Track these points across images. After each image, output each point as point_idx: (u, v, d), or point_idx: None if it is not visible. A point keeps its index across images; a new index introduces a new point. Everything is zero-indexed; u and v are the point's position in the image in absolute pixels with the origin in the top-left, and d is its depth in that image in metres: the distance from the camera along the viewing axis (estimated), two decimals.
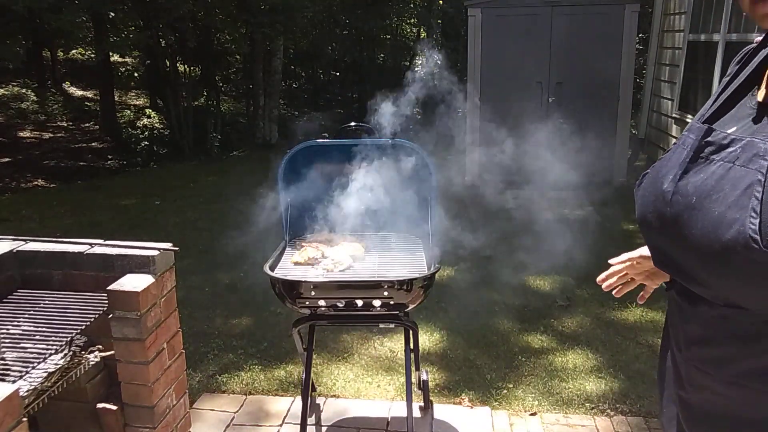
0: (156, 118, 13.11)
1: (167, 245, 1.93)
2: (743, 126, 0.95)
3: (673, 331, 1.10)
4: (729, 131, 0.95)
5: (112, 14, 9.56)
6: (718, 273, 0.91)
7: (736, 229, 0.84)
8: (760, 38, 1.03)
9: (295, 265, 2.25)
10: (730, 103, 1.01)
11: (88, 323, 1.73)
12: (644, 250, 1.30)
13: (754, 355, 0.93)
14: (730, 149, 0.91)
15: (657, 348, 3.37)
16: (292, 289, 2.06)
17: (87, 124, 12.96)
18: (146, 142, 11.61)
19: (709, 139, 0.95)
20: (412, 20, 16.07)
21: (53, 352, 1.60)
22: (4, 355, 1.56)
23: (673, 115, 7.07)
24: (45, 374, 1.54)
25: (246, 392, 2.99)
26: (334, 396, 2.95)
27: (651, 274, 1.35)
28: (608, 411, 2.81)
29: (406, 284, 2.04)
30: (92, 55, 13.67)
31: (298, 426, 2.34)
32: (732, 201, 0.86)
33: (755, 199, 0.84)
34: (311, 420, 2.69)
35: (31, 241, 2.02)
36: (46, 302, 1.85)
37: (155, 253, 1.87)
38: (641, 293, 1.41)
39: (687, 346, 1.05)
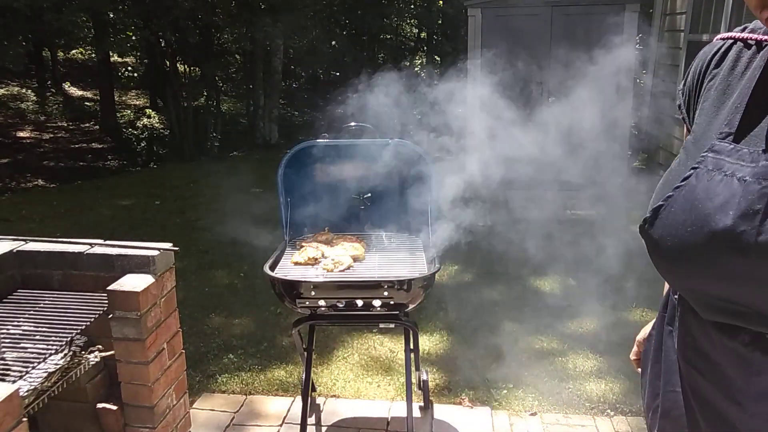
0: (156, 118, 13.11)
1: (167, 245, 1.93)
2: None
3: (725, 382, 0.95)
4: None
5: (112, 14, 9.56)
6: None
7: None
8: (757, 36, 0.96)
9: (295, 265, 2.25)
10: (757, 112, 0.89)
11: (88, 323, 1.73)
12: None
13: None
14: None
15: None
16: (292, 289, 2.06)
17: (87, 124, 12.96)
18: (146, 142, 11.62)
19: None
20: (412, 20, 16.07)
21: (53, 352, 1.60)
22: (4, 355, 1.56)
23: (673, 115, 7.07)
24: (45, 374, 1.54)
25: (246, 392, 2.98)
26: (334, 396, 2.95)
27: None
28: (608, 411, 2.81)
29: (406, 284, 2.04)
30: (92, 55, 13.67)
31: (298, 426, 2.34)
32: None
33: None
34: (311, 420, 2.69)
35: (31, 241, 2.02)
36: (46, 302, 1.85)
37: (155, 253, 1.87)
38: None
39: (758, 400, 0.90)
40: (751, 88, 0.90)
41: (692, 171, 0.90)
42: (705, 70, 1.03)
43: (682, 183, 0.91)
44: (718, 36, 1.03)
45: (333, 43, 14.02)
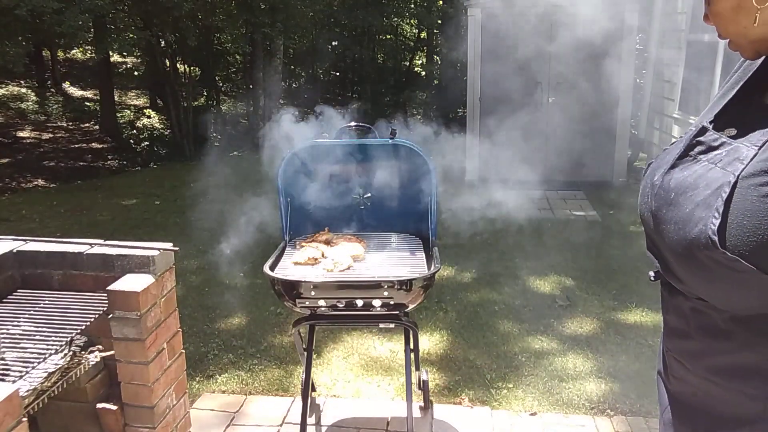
0: (156, 118, 13.12)
1: (167, 245, 1.93)
2: (744, 129, 0.96)
3: (663, 321, 1.13)
4: (730, 134, 0.95)
5: (113, 12, 9.56)
6: (685, 267, 0.93)
7: (699, 228, 0.86)
8: None
9: (295, 265, 2.25)
10: (737, 103, 1.02)
11: (88, 323, 1.73)
12: None
13: (721, 351, 0.95)
14: (717, 151, 0.93)
15: (657, 348, 3.37)
16: (292, 289, 2.06)
17: (87, 124, 12.97)
18: (146, 142, 11.62)
19: (700, 138, 0.97)
20: (413, 20, 16.06)
21: (53, 352, 1.60)
22: (4, 355, 1.56)
23: (673, 115, 7.07)
24: (45, 374, 1.54)
25: (246, 392, 2.99)
26: (334, 396, 2.95)
27: None
28: (608, 411, 2.81)
29: (406, 284, 2.04)
30: (92, 55, 13.67)
31: (298, 426, 2.34)
32: (701, 200, 0.88)
33: (720, 199, 0.85)
34: (311, 420, 2.69)
35: (31, 241, 2.02)
36: (46, 302, 1.85)
37: (155, 253, 1.87)
38: None
39: (668, 336, 1.08)
40: (741, 83, 1.03)
41: (677, 139, 1.07)
42: (735, 67, 1.14)
43: (667, 147, 1.08)
44: None
45: (333, 43, 14.02)
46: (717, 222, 0.84)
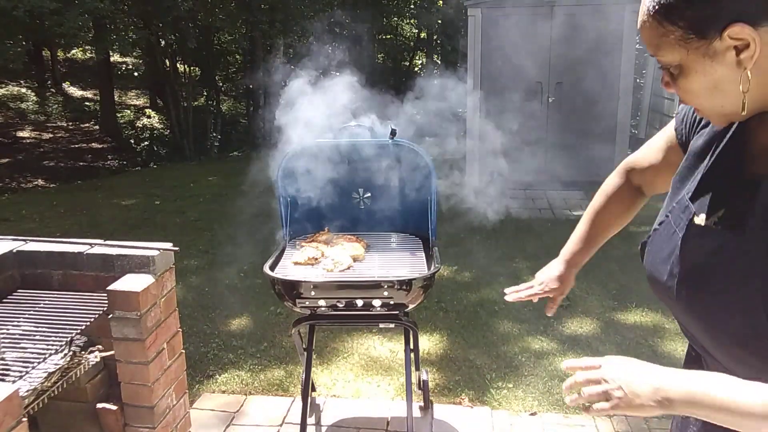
0: (156, 118, 13.12)
1: (167, 245, 1.93)
2: (724, 213, 0.93)
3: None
4: (711, 219, 0.94)
5: (112, 12, 9.55)
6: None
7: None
8: None
9: (295, 265, 2.25)
10: (711, 176, 0.98)
11: (88, 323, 1.73)
12: (548, 276, 1.48)
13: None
14: (716, 243, 0.92)
15: (657, 348, 3.37)
16: (292, 289, 2.06)
17: (87, 124, 12.97)
18: (146, 142, 11.63)
19: (696, 233, 0.95)
20: (412, 20, 16.07)
21: (53, 352, 1.60)
22: (4, 355, 1.56)
23: (673, 115, 7.07)
24: (45, 374, 1.54)
25: (246, 392, 2.99)
26: (334, 396, 2.95)
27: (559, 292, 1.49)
28: None
29: (406, 284, 2.04)
30: (92, 55, 13.67)
31: (298, 426, 2.34)
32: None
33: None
34: (311, 420, 2.69)
35: (31, 241, 2.02)
36: (46, 302, 1.85)
37: (155, 253, 1.87)
38: (551, 305, 1.51)
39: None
40: (716, 152, 0.99)
41: (664, 218, 1.04)
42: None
43: (658, 227, 1.05)
44: None
45: (333, 43, 14.01)
46: None
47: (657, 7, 0.84)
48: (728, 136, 0.98)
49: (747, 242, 0.87)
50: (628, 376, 0.91)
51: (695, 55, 0.84)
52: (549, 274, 1.48)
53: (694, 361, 1.08)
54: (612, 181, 1.40)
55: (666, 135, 1.22)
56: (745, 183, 0.91)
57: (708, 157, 1.00)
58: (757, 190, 0.88)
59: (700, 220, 0.95)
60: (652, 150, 1.27)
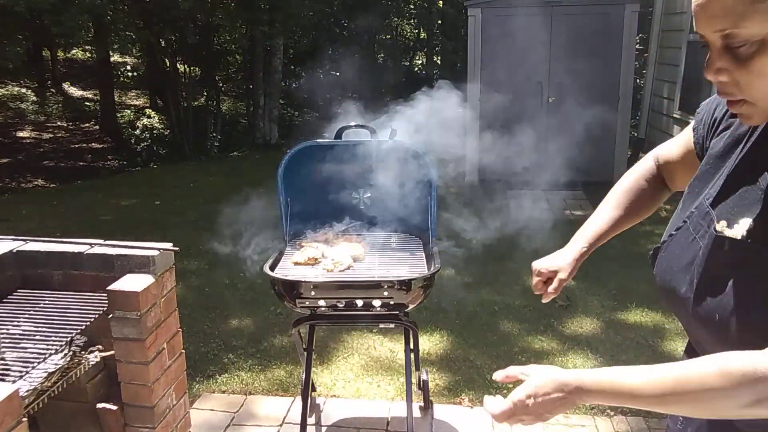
0: (156, 118, 13.11)
1: (167, 245, 1.93)
2: (754, 223, 0.86)
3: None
4: (738, 232, 0.87)
5: (112, 12, 9.56)
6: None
7: None
8: None
9: (295, 265, 2.25)
10: (733, 182, 0.92)
11: (88, 323, 1.73)
12: (555, 262, 1.34)
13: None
14: (742, 255, 0.85)
15: (657, 348, 3.37)
16: (292, 289, 2.06)
17: (87, 124, 12.97)
18: (146, 142, 11.62)
19: (721, 247, 0.88)
20: (412, 20, 16.07)
21: (53, 352, 1.60)
22: (4, 355, 1.56)
23: (673, 115, 7.07)
24: (45, 374, 1.54)
25: (246, 392, 2.98)
26: (334, 396, 2.95)
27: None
28: (608, 411, 2.81)
29: (406, 284, 2.04)
30: (92, 55, 13.68)
31: (298, 426, 2.34)
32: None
33: None
34: (311, 420, 2.69)
35: (31, 241, 2.01)
36: (46, 302, 1.85)
37: (155, 253, 1.87)
38: (552, 291, 1.38)
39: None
40: (740, 156, 0.93)
41: (682, 224, 0.98)
42: (718, 116, 1.04)
43: (675, 232, 1.00)
44: None
45: (333, 43, 14.02)
46: None
47: None
48: (756, 135, 0.91)
49: None
50: (536, 382, 0.92)
51: None
52: (565, 260, 1.34)
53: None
54: (644, 164, 1.31)
55: (686, 134, 1.17)
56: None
57: (732, 160, 0.94)
58: None
59: (722, 227, 0.88)
60: (674, 145, 1.23)
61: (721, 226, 0.88)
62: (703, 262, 0.90)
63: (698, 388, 0.79)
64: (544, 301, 1.39)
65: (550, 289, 1.34)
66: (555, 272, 1.34)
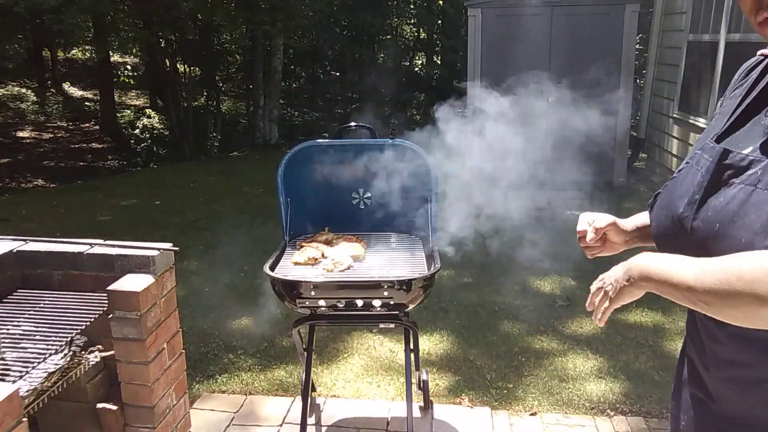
0: (156, 118, 13.12)
1: (167, 245, 1.93)
2: (760, 145, 0.90)
3: (698, 350, 1.05)
4: (746, 151, 0.91)
5: (112, 14, 9.56)
6: None
7: None
8: (766, 51, 1.01)
9: (295, 265, 2.25)
10: (743, 120, 0.97)
11: (88, 323, 1.73)
12: (606, 219, 1.31)
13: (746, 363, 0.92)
14: (750, 171, 0.88)
15: (657, 348, 3.37)
16: (292, 289, 2.06)
17: (87, 124, 12.97)
18: (146, 143, 11.62)
19: (726, 161, 0.92)
20: (413, 20, 16.07)
21: (53, 352, 1.60)
22: (4, 355, 1.56)
23: (673, 115, 7.07)
24: (45, 374, 1.54)
25: (246, 392, 2.98)
26: (334, 396, 2.95)
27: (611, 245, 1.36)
28: (608, 411, 2.81)
29: (406, 284, 2.04)
30: (92, 55, 13.67)
31: (298, 426, 2.34)
32: (759, 227, 0.82)
33: None
34: (311, 420, 2.69)
35: (31, 241, 2.02)
36: (46, 302, 1.85)
37: (155, 253, 1.87)
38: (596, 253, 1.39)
39: (719, 366, 0.99)
40: (746, 93, 1.00)
41: (685, 165, 1.03)
42: (735, 80, 1.09)
43: (676, 174, 1.04)
44: (760, 51, 1.05)
45: (333, 43, 14.03)
46: None
47: None
48: (759, 88, 0.97)
49: None
50: (612, 270, 0.99)
51: None
52: (607, 217, 1.33)
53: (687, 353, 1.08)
54: None
55: None
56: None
57: (742, 104, 0.99)
58: None
59: (732, 158, 0.92)
60: None
61: (726, 147, 0.93)
62: (708, 176, 0.93)
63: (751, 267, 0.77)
64: (590, 256, 1.40)
65: (588, 239, 1.35)
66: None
